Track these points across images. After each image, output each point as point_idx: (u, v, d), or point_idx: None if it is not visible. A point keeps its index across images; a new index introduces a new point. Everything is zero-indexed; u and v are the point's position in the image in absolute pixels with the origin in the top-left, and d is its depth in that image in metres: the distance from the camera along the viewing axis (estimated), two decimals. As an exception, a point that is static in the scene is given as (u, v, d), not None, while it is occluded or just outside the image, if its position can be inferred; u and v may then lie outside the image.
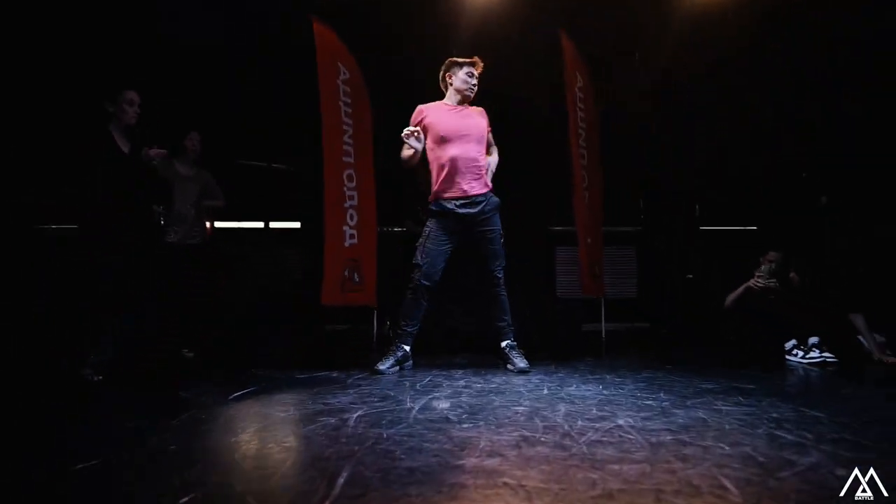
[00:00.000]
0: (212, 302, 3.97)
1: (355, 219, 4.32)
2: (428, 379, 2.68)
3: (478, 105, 3.19)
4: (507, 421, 1.84)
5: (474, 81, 3.09)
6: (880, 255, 3.94)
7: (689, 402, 2.10)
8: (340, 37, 4.40)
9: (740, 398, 2.18)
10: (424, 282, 2.99)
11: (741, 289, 3.67)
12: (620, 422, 1.81)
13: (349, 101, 4.36)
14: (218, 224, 5.11)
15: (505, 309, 3.06)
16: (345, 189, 4.27)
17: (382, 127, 4.30)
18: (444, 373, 2.87)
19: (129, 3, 4.53)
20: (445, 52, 5.17)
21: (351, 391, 2.38)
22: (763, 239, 5.12)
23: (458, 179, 2.98)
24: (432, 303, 3.11)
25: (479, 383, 2.58)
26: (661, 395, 2.26)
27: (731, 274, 4.45)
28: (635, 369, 2.95)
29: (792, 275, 3.88)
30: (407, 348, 3.03)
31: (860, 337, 3.51)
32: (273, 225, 5.57)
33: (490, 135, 3.16)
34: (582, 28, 4.83)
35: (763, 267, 3.79)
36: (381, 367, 2.88)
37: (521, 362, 2.90)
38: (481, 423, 1.82)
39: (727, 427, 1.74)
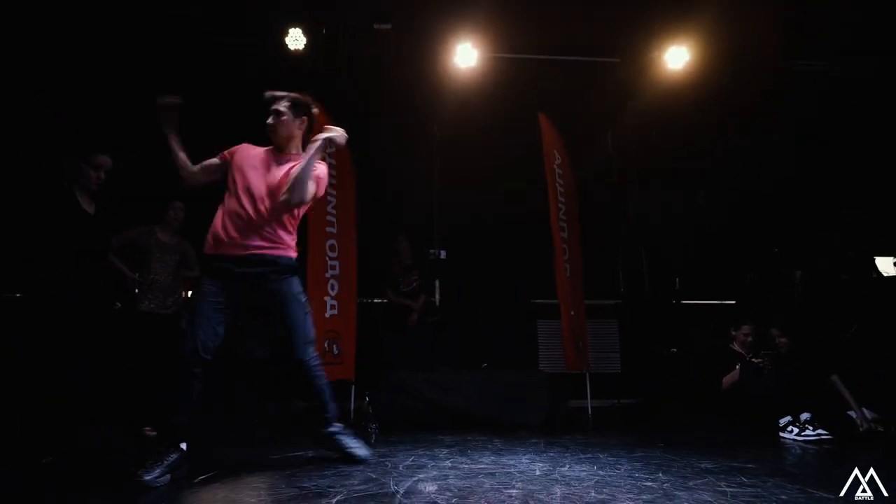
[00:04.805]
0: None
1: (336, 289, 4.23)
2: (411, 459, 2.50)
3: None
4: (500, 506, 1.70)
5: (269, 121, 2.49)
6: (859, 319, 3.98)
7: (690, 483, 1.98)
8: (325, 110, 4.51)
9: (743, 479, 2.06)
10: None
11: (736, 371, 3.59)
12: (622, 505, 1.68)
13: (333, 173, 4.39)
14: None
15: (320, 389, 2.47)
16: (327, 259, 4.21)
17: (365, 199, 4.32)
18: (427, 452, 2.69)
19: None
20: (427, 127, 5.31)
21: (328, 472, 2.19)
22: (738, 312, 5.13)
23: None
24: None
25: (466, 463, 2.41)
26: (660, 475, 2.13)
27: (713, 347, 4.42)
28: (629, 448, 2.82)
29: (780, 340, 3.85)
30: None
31: (851, 412, 3.46)
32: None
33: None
34: (557, 105, 5.07)
35: (748, 342, 3.76)
36: (148, 477, 2.05)
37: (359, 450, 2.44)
38: (473, 508, 1.67)
39: (736, 510, 1.63)
